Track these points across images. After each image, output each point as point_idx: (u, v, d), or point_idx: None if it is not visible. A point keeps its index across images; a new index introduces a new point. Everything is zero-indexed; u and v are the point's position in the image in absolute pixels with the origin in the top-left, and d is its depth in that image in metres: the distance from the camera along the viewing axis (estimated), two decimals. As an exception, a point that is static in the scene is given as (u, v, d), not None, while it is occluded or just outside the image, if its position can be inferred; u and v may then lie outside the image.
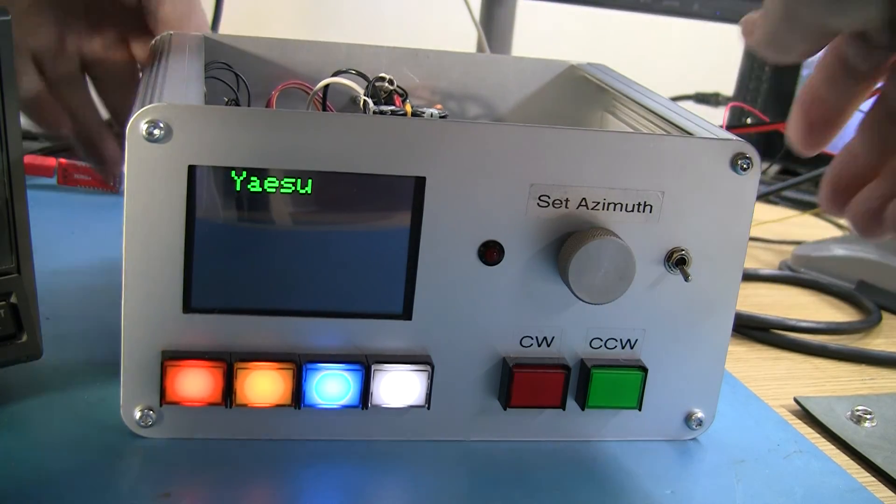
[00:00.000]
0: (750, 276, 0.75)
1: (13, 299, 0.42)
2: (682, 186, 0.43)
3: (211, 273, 0.40)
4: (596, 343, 0.44)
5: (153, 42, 0.57)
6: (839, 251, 0.76)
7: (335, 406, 0.42)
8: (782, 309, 0.68)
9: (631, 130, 0.51)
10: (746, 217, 0.44)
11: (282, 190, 0.40)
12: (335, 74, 0.54)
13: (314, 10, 1.23)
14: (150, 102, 0.38)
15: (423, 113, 0.52)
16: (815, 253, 0.77)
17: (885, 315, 0.69)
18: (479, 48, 1.06)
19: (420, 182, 0.41)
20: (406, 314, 0.42)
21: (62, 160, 0.75)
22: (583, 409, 0.44)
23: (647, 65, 1.06)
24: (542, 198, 0.42)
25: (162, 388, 0.40)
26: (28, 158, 0.74)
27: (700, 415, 0.46)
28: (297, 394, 0.41)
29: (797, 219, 0.92)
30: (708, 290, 0.44)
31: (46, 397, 0.44)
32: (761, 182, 0.47)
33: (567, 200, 0.42)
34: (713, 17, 1.02)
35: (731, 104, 0.93)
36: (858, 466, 0.47)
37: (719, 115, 1.02)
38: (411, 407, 0.43)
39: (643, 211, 0.43)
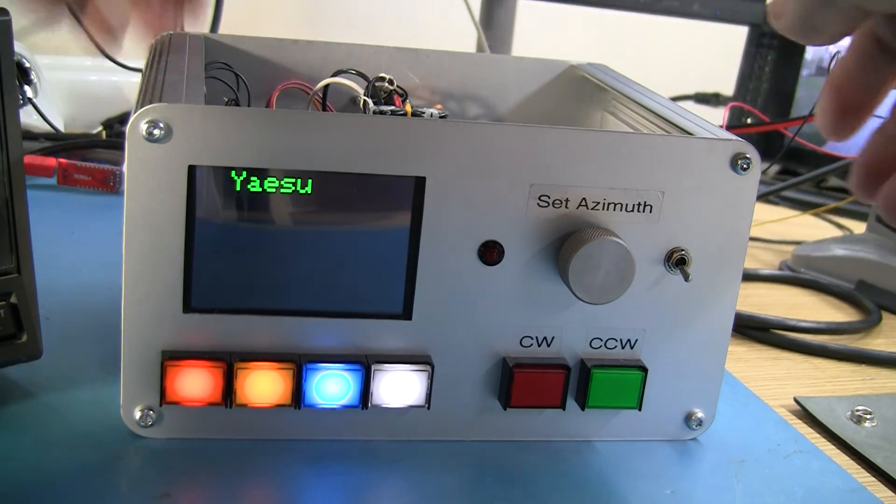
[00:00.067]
0: (750, 276, 0.75)
1: (13, 299, 0.42)
2: (682, 186, 0.43)
3: (211, 273, 0.40)
4: (596, 343, 0.44)
5: (153, 42, 0.57)
6: (839, 251, 0.76)
7: (335, 406, 0.42)
8: (782, 309, 0.68)
9: (631, 130, 0.51)
10: (746, 217, 0.44)
11: (282, 190, 0.40)
12: (335, 74, 0.54)
13: (314, 10, 1.23)
14: (150, 102, 0.38)
15: (423, 113, 0.52)
16: (815, 253, 0.77)
17: (885, 315, 0.69)
18: (479, 48, 1.06)
19: (420, 182, 0.41)
20: (406, 314, 0.42)
21: (62, 160, 0.75)
22: (583, 409, 0.44)
23: (647, 65, 1.06)
24: (542, 198, 0.42)
25: (162, 388, 0.40)
26: (28, 158, 0.74)
27: (700, 415, 0.46)
28: (297, 394, 0.41)
29: (797, 219, 0.92)
30: (708, 290, 0.44)
31: (46, 397, 0.44)
32: (761, 182, 0.47)
33: (567, 200, 0.42)
34: (713, 17, 1.02)
35: (731, 104, 0.93)
36: (858, 466, 0.47)
37: (719, 115, 1.02)
38: (411, 407, 0.43)
39: (643, 211, 0.43)
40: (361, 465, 0.42)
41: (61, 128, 0.87)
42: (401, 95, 0.53)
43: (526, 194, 0.41)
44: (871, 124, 0.36)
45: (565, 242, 0.42)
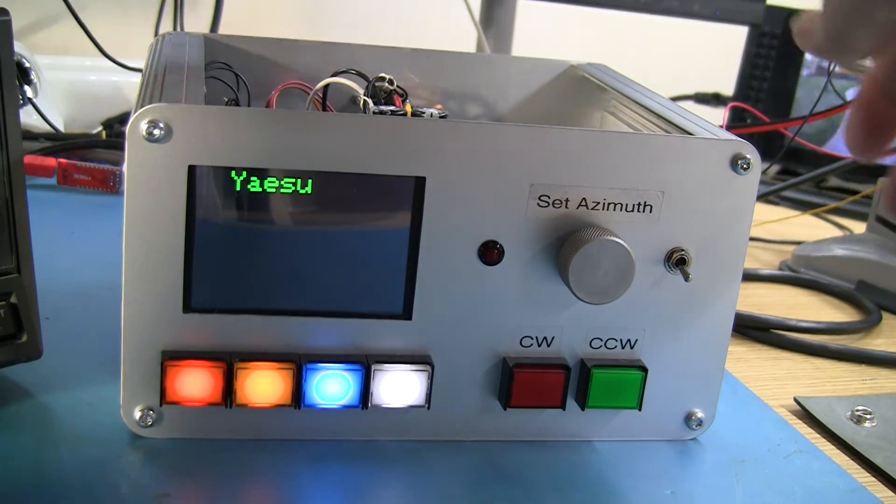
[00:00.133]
0: (750, 276, 0.75)
1: (13, 299, 0.42)
2: (682, 186, 0.43)
3: (211, 273, 0.40)
4: (596, 343, 0.44)
5: (152, 42, 0.57)
6: (839, 251, 0.76)
7: (335, 406, 0.42)
8: (782, 309, 0.68)
9: (631, 130, 0.51)
10: (746, 217, 0.44)
11: (282, 190, 0.40)
12: (335, 74, 0.54)
13: (314, 10, 1.23)
14: (150, 102, 0.38)
15: (423, 113, 0.52)
16: (815, 253, 0.77)
17: (885, 315, 0.69)
18: (479, 48, 1.06)
19: (420, 182, 0.41)
20: (406, 314, 0.42)
21: (62, 160, 0.75)
22: (583, 409, 0.44)
23: (647, 65, 1.06)
24: (542, 198, 0.42)
25: (162, 388, 0.40)
26: (28, 158, 0.74)
27: (700, 415, 0.46)
28: (297, 394, 0.41)
29: (797, 219, 0.92)
30: (708, 290, 0.44)
31: (46, 397, 0.44)
32: (761, 182, 0.47)
33: (567, 200, 0.42)
34: (713, 17, 1.02)
35: (731, 104, 0.93)
36: (858, 466, 0.47)
37: (719, 115, 1.02)
38: (411, 407, 0.43)
39: (643, 211, 0.43)
40: (361, 465, 0.42)
41: (61, 128, 0.87)
42: (401, 95, 0.53)
43: (526, 194, 0.41)
44: None
45: (565, 242, 0.42)
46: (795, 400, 0.53)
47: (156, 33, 1.03)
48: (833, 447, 0.49)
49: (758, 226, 0.86)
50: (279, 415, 0.42)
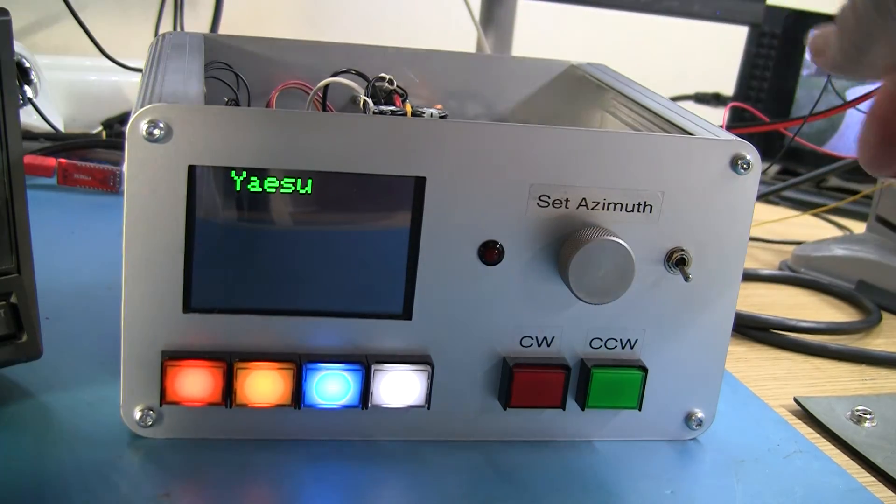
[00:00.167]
0: (750, 276, 0.75)
1: (13, 299, 0.42)
2: (682, 186, 0.43)
3: (211, 273, 0.40)
4: (596, 343, 0.44)
5: (152, 42, 0.57)
6: (839, 251, 0.76)
7: (335, 406, 0.42)
8: (782, 309, 0.68)
9: (631, 130, 0.51)
10: (746, 217, 0.44)
11: (282, 190, 0.40)
12: (335, 74, 0.54)
13: (314, 10, 1.23)
14: (150, 102, 0.38)
15: (423, 113, 0.52)
16: (815, 253, 0.77)
17: (885, 315, 0.70)
18: (479, 48, 1.06)
19: (420, 182, 0.41)
20: (406, 314, 0.42)
21: (62, 160, 0.75)
22: (583, 409, 0.44)
23: (647, 65, 1.06)
24: (542, 198, 0.42)
25: (162, 388, 0.40)
26: (28, 158, 0.74)
27: (700, 415, 0.46)
28: (297, 394, 0.41)
29: (797, 219, 0.92)
30: (708, 290, 0.44)
31: (46, 397, 0.44)
32: (761, 182, 0.47)
33: (567, 200, 0.42)
34: (713, 17, 1.02)
35: (731, 104, 0.93)
36: (858, 466, 0.47)
37: (719, 115, 1.02)
38: (411, 407, 0.43)
39: (643, 211, 0.43)
40: (361, 465, 0.42)
41: (61, 128, 0.87)
42: (401, 95, 0.53)
43: (526, 194, 0.41)
44: None
45: (565, 242, 0.42)
46: (795, 400, 0.53)
47: (156, 33, 1.03)
48: (833, 447, 0.49)
49: (758, 226, 0.86)
50: (279, 415, 0.42)
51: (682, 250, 0.43)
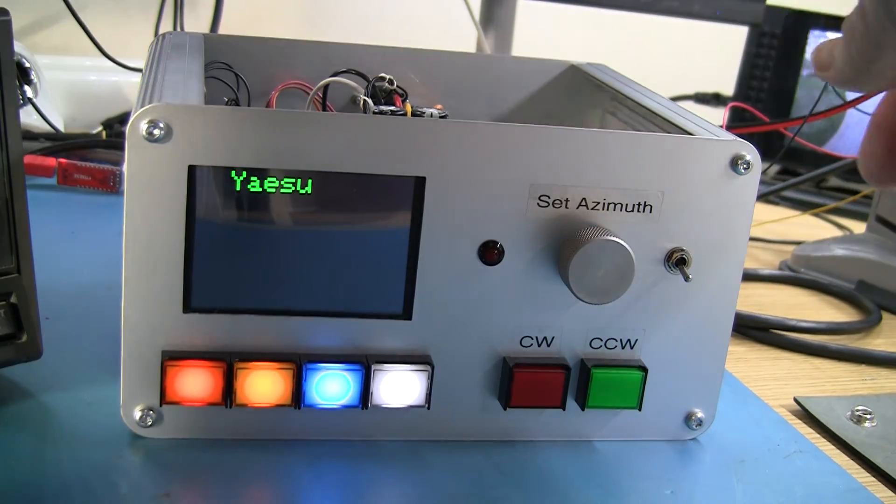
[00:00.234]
0: (750, 276, 0.75)
1: (13, 299, 0.42)
2: (682, 186, 0.42)
3: (211, 273, 0.40)
4: (596, 343, 0.44)
5: (152, 42, 0.57)
6: (839, 251, 0.76)
7: (335, 406, 0.42)
8: (782, 309, 0.68)
9: (631, 130, 0.51)
10: (746, 217, 0.44)
11: (282, 190, 0.40)
12: (335, 74, 0.54)
13: (314, 10, 1.23)
14: (150, 102, 0.38)
15: (423, 113, 0.52)
16: (815, 253, 0.77)
17: (885, 315, 0.70)
18: (479, 48, 1.06)
19: (420, 182, 0.41)
20: (406, 314, 0.42)
21: (62, 160, 0.75)
22: (583, 409, 0.44)
23: (647, 65, 1.06)
24: (542, 198, 0.42)
25: (162, 388, 0.40)
26: (28, 158, 0.74)
27: (700, 415, 0.46)
28: (297, 394, 0.41)
29: (797, 219, 0.92)
30: (708, 290, 0.44)
31: (46, 397, 0.44)
32: (761, 182, 0.47)
33: (567, 200, 0.42)
34: (713, 17, 1.02)
35: (731, 104, 0.93)
36: (858, 466, 0.47)
37: (719, 115, 1.02)
38: (411, 407, 0.43)
39: (643, 211, 0.43)
40: (361, 465, 0.42)
41: (61, 128, 0.87)
42: (401, 95, 0.53)
43: (526, 194, 0.41)
44: None
45: (565, 242, 0.42)
46: (795, 400, 0.53)
47: (156, 33, 1.03)
48: (833, 447, 0.49)
49: (758, 226, 0.86)
50: (279, 415, 0.42)
51: (682, 250, 0.43)
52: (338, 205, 0.41)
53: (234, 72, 0.54)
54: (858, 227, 0.90)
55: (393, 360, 0.42)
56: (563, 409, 0.44)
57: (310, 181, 0.40)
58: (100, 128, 0.89)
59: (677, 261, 0.43)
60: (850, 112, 0.80)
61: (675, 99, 1.05)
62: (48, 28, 1.05)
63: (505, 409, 0.44)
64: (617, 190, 0.42)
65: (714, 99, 1.13)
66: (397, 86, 0.53)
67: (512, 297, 0.43)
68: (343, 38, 0.59)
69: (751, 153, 0.43)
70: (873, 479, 0.46)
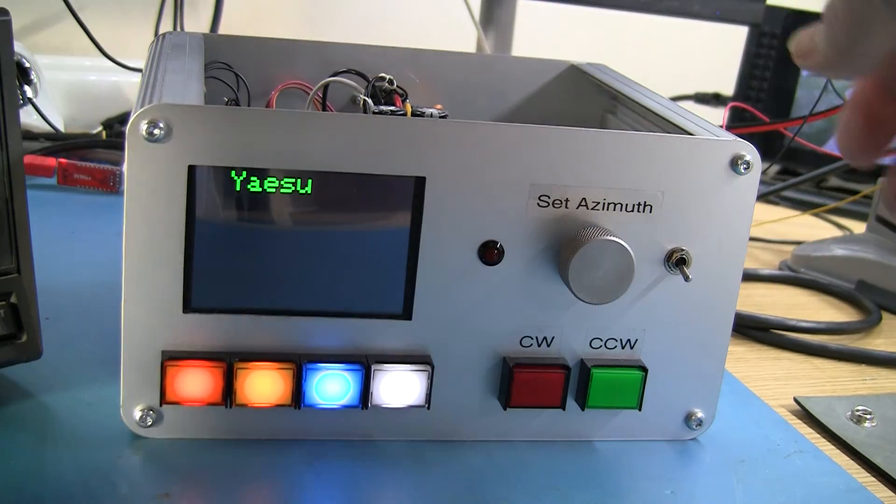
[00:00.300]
0: (750, 276, 0.75)
1: (13, 299, 0.42)
2: (682, 186, 0.42)
3: (211, 273, 0.40)
4: (596, 343, 0.44)
5: (152, 42, 0.57)
6: (839, 251, 0.76)
7: (335, 406, 0.42)
8: (782, 309, 0.68)
9: (631, 130, 0.51)
10: (746, 217, 0.44)
11: (282, 190, 0.40)
12: (335, 74, 0.54)
13: (314, 10, 1.23)
14: (150, 102, 0.38)
15: (423, 113, 0.52)
16: (815, 253, 0.77)
17: (885, 315, 0.69)
18: (479, 48, 1.06)
19: (420, 182, 0.41)
20: (406, 314, 0.42)
21: (62, 160, 0.75)
22: (583, 409, 0.44)
23: (647, 65, 1.06)
24: (542, 198, 0.42)
25: (162, 388, 0.40)
26: (28, 158, 0.74)
27: (700, 415, 0.46)
28: (297, 394, 0.41)
29: (797, 219, 0.92)
30: (708, 290, 0.44)
31: (46, 397, 0.44)
32: (761, 182, 0.47)
33: (567, 200, 0.42)
34: (713, 17, 1.02)
35: (731, 104, 0.93)
36: (858, 466, 0.47)
37: (719, 115, 1.01)
38: (411, 407, 0.43)
39: (643, 211, 0.43)
40: (361, 465, 0.42)
41: (61, 128, 0.87)
42: (401, 95, 0.53)
43: (526, 194, 0.41)
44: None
45: (565, 242, 0.42)
46: (795, 400, 0.53)
47: (156, 33, 1.03)
48: (833, 447, 0.49)
49: (758, 226, 0.86)
50: (279, 415, 0.42)
51: (682, 250, 0.43)
52: (338, 205, 0.41)
53: (234, 72, 0.54)
54: (858, 227, 0.90)
55: (393, 360, 0.42)
56: (563, 409, 0.44)
57: (310, 181, 0.40)
58: (100, 128, 0.89)
59: (677, 261, 0.43)
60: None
61: (675, 99, 1.05)
62: (48, 28, 1.05)
63: (505, 409, 0.44)
64: (617, 190, 0.42)
65: (714, 99, 1.13)
66: (397, 86, 0.53)
67: (512, 297, 0.43)
68: (343, 38, 0.59)
69: (751, 153, 0.43)
70: (873, 479, 0.46)
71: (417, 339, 0.43)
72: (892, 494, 0.45)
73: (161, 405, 0.41)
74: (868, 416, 0.51)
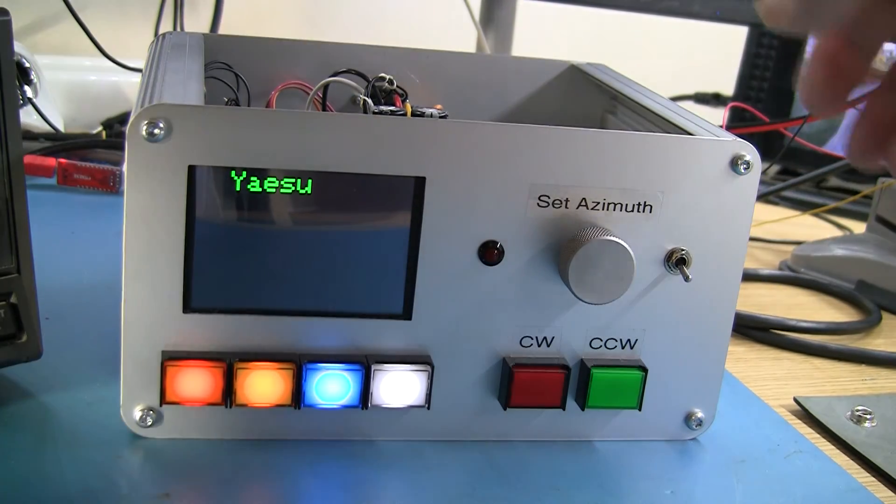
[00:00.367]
0: (750, 276, 0.75)
1: (13, 299, 0.42)
2: (682, 186, 0.43)
3: (211, 273, 0.40)
4: (596, 343, 0.44)
5: (152, 42, 0.57)
6: (839, 251, 0.76)
7: (335, 406, 0.42)
8: (782, 309, 0.68)
9: (631, 130, 0.51)
10: (746, 217, 0.44)
11: (282, 190, 0.40)
12: (335, 74, 0.54)
13: (314, 10, 1.23)
14: (150, 102, 0.38)
15: (423, 113, 0.52)
16: (815, 253, 0.77)
17: (885, 315, 0.69)
18: (479, 48, 1.06)
19: (420, 182, 0.41)
20: (406, 314, 0.42)
21: (62, 160, 0.75)
22: (583, 409, 0.44)
23: (647, 65, 1.06)
24: (542, 198, 0.42)
25: (162, 388, 0.40)
26: (28, 158, 0.74)
27: (700, 415, 0.46)
28: (297, 394, 0.41)
29: (797, 219, 0.92)
30: (708, 290, 0.44)
31: (46, 397, 0.44)
32: (761, 182, 0.47)
33: (567, 200, 0.42)
34: (713, 17, 1.02)
35: (731, 104, 0.93)
36: (858, 466, 0.47)
37: (719, 115, 1.01)
38: (411, 407, 0.43)
39: (643, 211, 0.43)
40: (361, 465, 0.42)
41: (61, 128, 0.87)
42: (401, 95, 0.53)
43: (526, 194, 0.41)
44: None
45: (565, 242, 0.42)
46: (795, 400, 0.53)
47: (156, 33, 1.03)
48: (833, 447, 0.49)
49: (758, 226, 0.86)
50: (279, 415, 0.42)
51: (682, 250, 0.43)
52: (338, 205, 0.41)
53: (234, 72, 0.54)
54: (858, 227, 0.90)
55: (393, 360, 0.42)
56: (563, 409, 0.44)
57: (310, 181, 0.40)
58: (100, 128, 0.89)
59: (677, 261, 0.43)
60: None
61: (675, 99, 1.05)
62: (48, 28, 1.05)
63: (505, 409, 0.44)
64: (617, 190, 0.42)
65: (714, 99, 1.13)
66: (397, 86, 0.53)
67: (512, 297, 0.43)
68: (343, 38, 0.59)
69: (751, 153, 0.43)
70: (873, 479, 0.46)
71: (417, 339, 0.43)
72: (892, 494, 0.45)
73: (161, 405, 0.41)
74: (868, 416, 0.51)
